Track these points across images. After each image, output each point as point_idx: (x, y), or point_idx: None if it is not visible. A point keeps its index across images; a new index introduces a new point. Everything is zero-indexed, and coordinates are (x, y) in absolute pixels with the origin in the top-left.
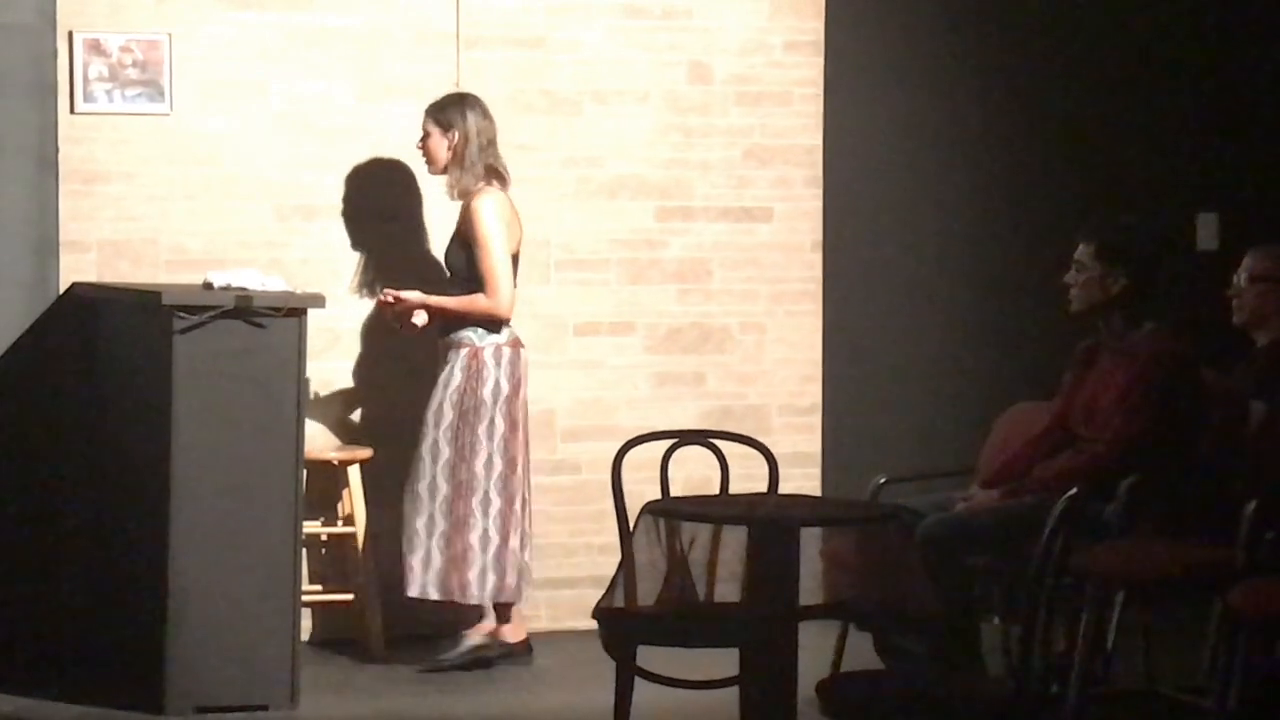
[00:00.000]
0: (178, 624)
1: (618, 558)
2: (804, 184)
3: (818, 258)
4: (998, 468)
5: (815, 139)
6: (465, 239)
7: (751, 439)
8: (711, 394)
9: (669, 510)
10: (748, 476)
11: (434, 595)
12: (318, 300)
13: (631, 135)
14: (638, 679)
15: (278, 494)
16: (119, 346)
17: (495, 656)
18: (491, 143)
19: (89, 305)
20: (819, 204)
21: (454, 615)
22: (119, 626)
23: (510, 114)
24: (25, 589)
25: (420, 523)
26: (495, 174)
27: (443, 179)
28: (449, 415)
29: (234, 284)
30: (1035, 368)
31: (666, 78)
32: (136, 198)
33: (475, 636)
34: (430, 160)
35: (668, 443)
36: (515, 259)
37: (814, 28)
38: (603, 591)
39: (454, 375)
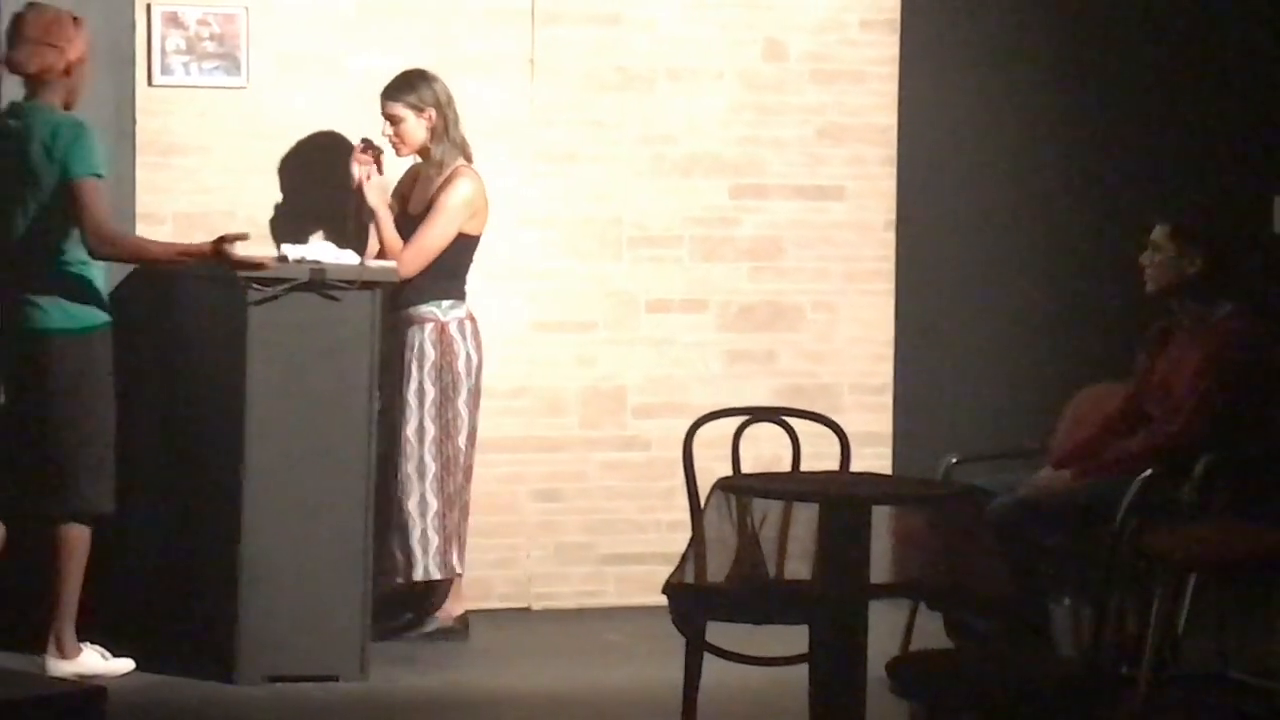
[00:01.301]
0: (250, 594)
1: (687, 534)
2: (878, 163)
3: (891, 236)
4: (1071, 448)
5: (890, 118)
6: (428, 205)
7: (824, 417)
8: (783, 372)
9: (741, 487)
10: (818, 455)
11: (436, 576)
12: (391, 274)
13: (706, 113)
14: (707, 655)
15: (350, 466)
16: (194, 318)
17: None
18: (458, 115)
19: (165, 277)
20: (893, 183)
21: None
22: (192, 596)
23: (585, 91)
24: (99, 559)
25: (412, 504)
26: (465, 150)
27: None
28: (431, 392)
29: (308, 257)
30: (1108, 348)
31: (741, 55)
32: (212, 170)
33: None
34: (404, 144)
35: (739, 420)
36: (476, 241)
37: (890, 5)
38: (672, 568)
39: (426, 351)
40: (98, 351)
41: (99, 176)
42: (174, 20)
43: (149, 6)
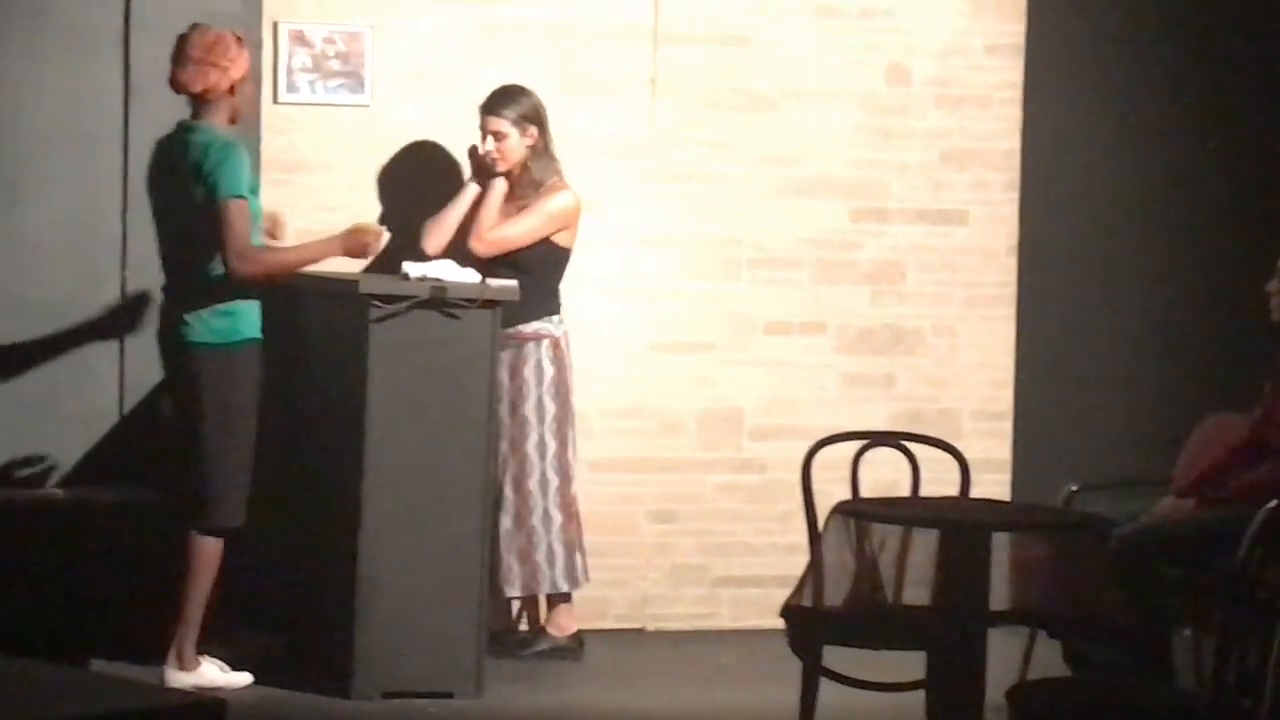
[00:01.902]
0: (367, 610)
1: (802, 557)
2: (1001, 188)
3: (1013, 262)
4: (1195, 477)
5: (1014, 143)
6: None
7: (944, 442)
8: (901, 396)
9: (860, 511)
10: (937, 480)
11: (564, 588)
12: (511, 292)
13: (828, 135)
14: (823, 679)
15: (468, 484)
16: (317, 333)
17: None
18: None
19: (289, 292)
20: (1016, 208)
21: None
22: (310, 611)
23: (707, 111)
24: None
25: (536, 519)
26: (559, 168)
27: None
28: (551, 408)
29: (430, 274)
30: (1233, 377)
31: (865, 78)
32: (336, 188)
33: (555, 630)
34: (504, 160)
35: (857, 444)
36: (568, 255)
37: (1015, 30)
38: (787, 591)
39: (544, 367)
40: (239, 367)
41: (243, 197)
42: (300, 39)
43: (275, 25)
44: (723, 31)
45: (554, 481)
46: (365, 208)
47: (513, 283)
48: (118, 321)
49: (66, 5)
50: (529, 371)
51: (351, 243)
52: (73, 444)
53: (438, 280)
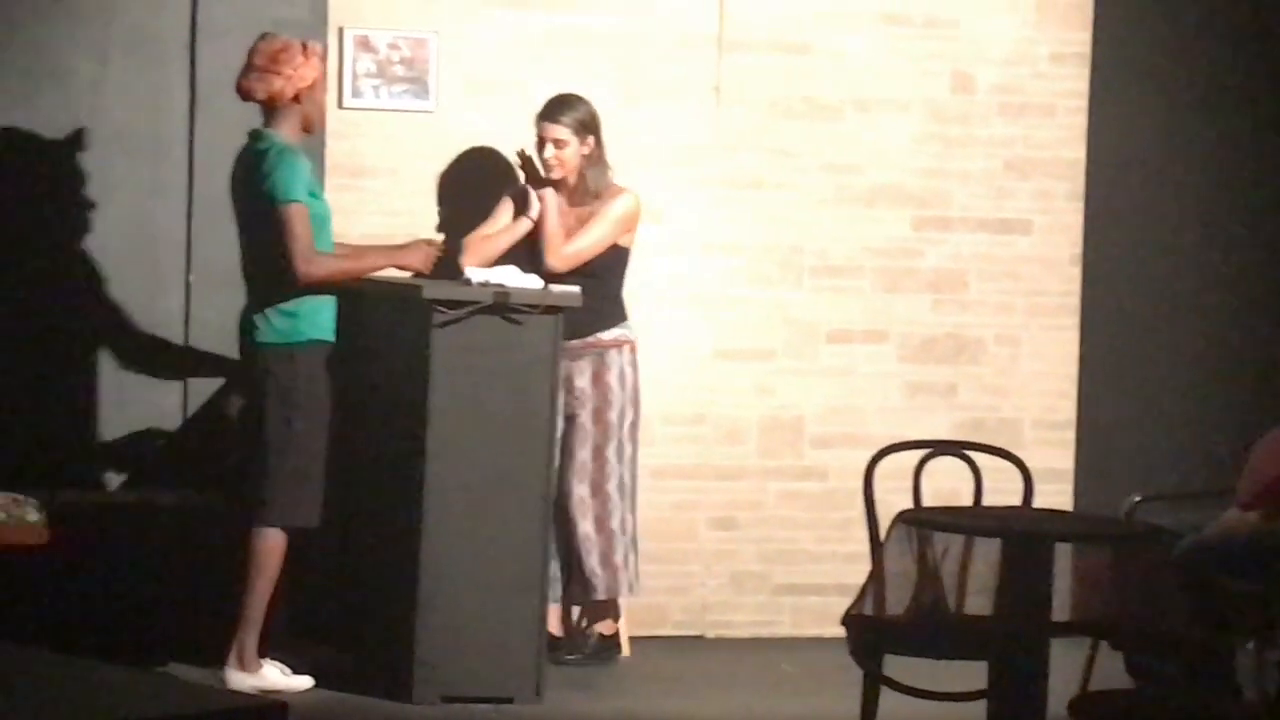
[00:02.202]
0: (428, 614)
1: (863, 566)
2: (1065, 197)
3: (1077, 271)
4: (1258, 490)
5: (1078, 152)
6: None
7: (1007, 452)
8: (963, 405)
9: (923, 520)
10: (998, 490)
11: (635, 592)
12: (574, 298)
13: (891, 143)
14: (884, 688)
15: (529, 489)
16: (380, 338)
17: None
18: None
19: (353, 296)
20: (1080, 218)
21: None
22: (371, 615)
23: (770, 119)
24: (280, 576)
25: (615, 523)
26: (611, 176)
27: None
28: (630, 414)
29: (492, 280)
30: None
31: (929, 87)
32: (399, 193)
33: (602, 627)
34: (562, 166)
35: (918, 453)
36: (629, 255)
37: (1081, 39)
38: (847, 599)
39: (626, 373)
40: (302, 367)
41: (299, 202)
42: (365, 44)
43: (341, 30)
44: (787, 39)
45: (629, 485)
46: (428, 213)
47: (575, 288)
48: (181, 324)
49: (133, 12)
50: (613, 378)
51: (414, 256)
52: (137, 446)
53: (500, 286)
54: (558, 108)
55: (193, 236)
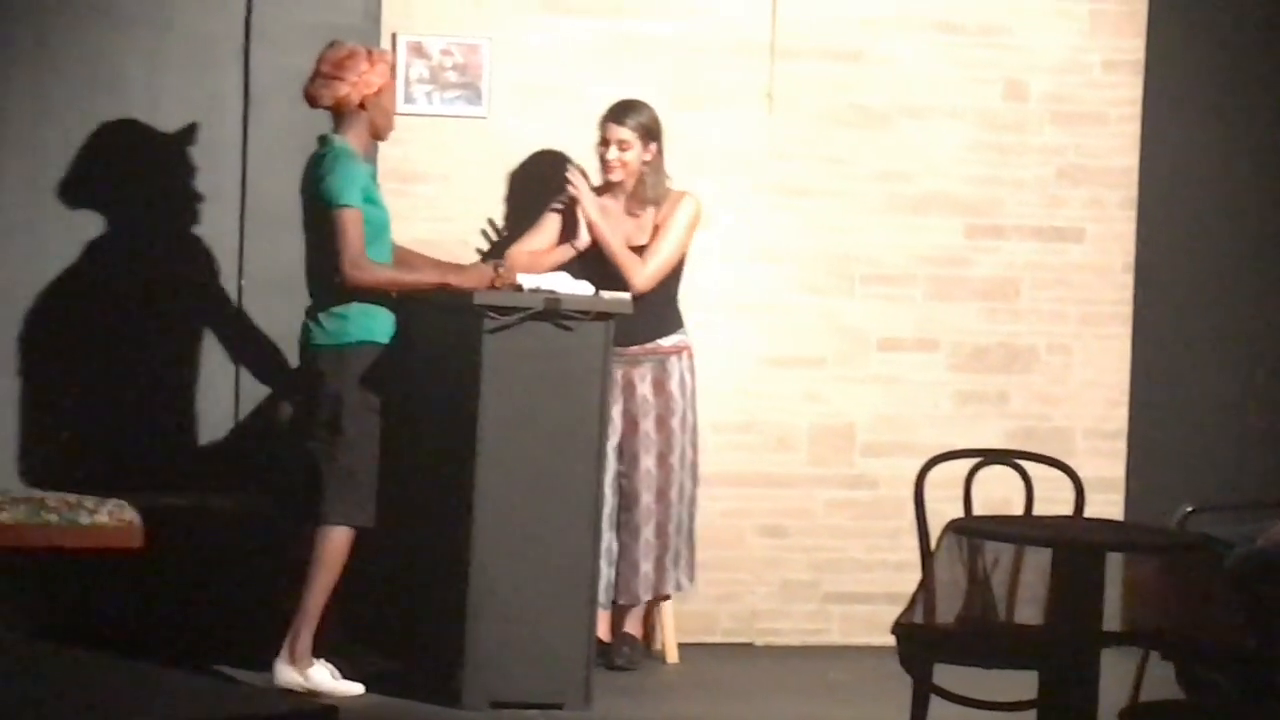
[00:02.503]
0: (477, 620)
1: (913, 574)
2: (1118, 205)
3: (1129, 280)
4: None
5: (1131, 160)
6: (650, 231)
7: (1059, 461)
8: (1015, 414)
9: (973, 529)
10: (1049, 499)
11: (686, 587)
12: (624, 305)
13: (943, 151)
14: (934, 697)
15: (579, 495)
16: (431, 344)
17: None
18: None
19: (405, 301)
20: (1132, 226)
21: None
22: (421, 619)
23: (822, 126)
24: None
25: (673, 527)
26: (669, 183)
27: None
28: (691, 418)
29: (543, 287)
30: None
31: (981, 94)
32: (451, 198)
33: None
34: (622, 170)
35: (969, 461)
36: (684, 259)
37: (1134, 47)
38: (897, 608)
39: (686, 379)
40: (350, 368)
41: (352, 206)
42: (418, 50)
43: (394, 36)
44: (839, 47)
45: (689, 489)
46: (480, 219)
47: (626, 295)
48: (234, 329)
49: (188, 16)
50: (674, 385)
51: (473, 278)
52: (190, 450)
53: (551, 292)
54: (624, 110)
55: (245, 241)
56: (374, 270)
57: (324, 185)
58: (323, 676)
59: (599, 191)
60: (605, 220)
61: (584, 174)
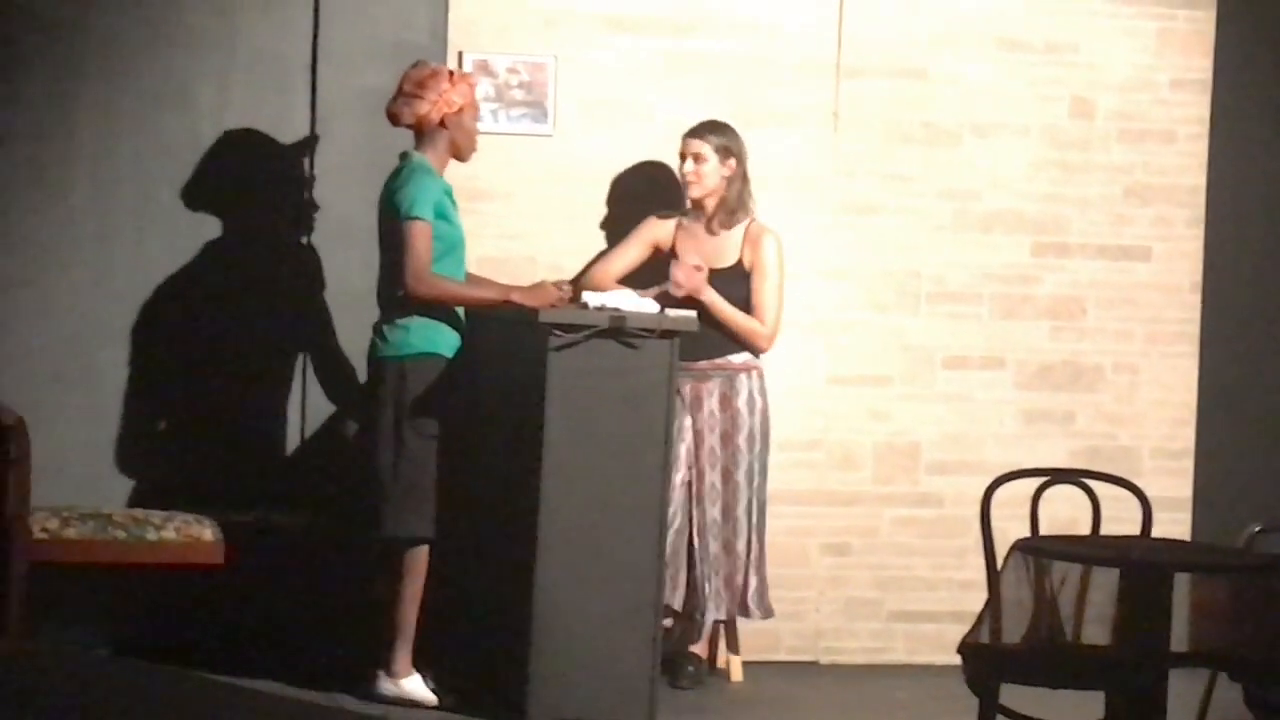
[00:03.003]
0: (543, 636)
1: (979, 593)
2: (1185, 224)
3: (1196, 299)
4: None
5: (1198, 179)
6: (746, 268)
7: (1126, 481)
8: (1081, 433)
9: (1040, 549)
10: (1116, 519)
11: (758, 617)
12: (690, 323)
13: (1009, 169)
14: (1000, 717)
15: (644, 512)
16: (497, 361)
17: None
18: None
19: (471, 319)
20: (1200, 245)
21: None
22: (485, 635)
23: (888, 144)
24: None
25: (740, 546)
26: (753, 207)
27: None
28: (759, 439)
29: (609, 304)
30: None
31: (1048, 112)
32: (517, 216)
33: (696, 648)
34: (699, 183)
35: (1035, 480)
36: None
37: (1202, 65)
38: (963, 627)
39: (755, 398)
40: (413, 380)
41: (423, 220)
42: (484, 68)
43: (460, 54)
44: (904, 65)
45: (757, 509)
46: (545, 237)
47: (691, 313)
48: (301, 346)
49: (255, 36)
50: (742, 402)
51: (538, 298)
52: (256, 467)
53: (616, 310)
54: (703, 126)
55: (312, 258)
56: (436, 283)
57: (396, 197)
58: (414, 685)
59: (682, 213)
60: (689, 241)
61: (700, 267)
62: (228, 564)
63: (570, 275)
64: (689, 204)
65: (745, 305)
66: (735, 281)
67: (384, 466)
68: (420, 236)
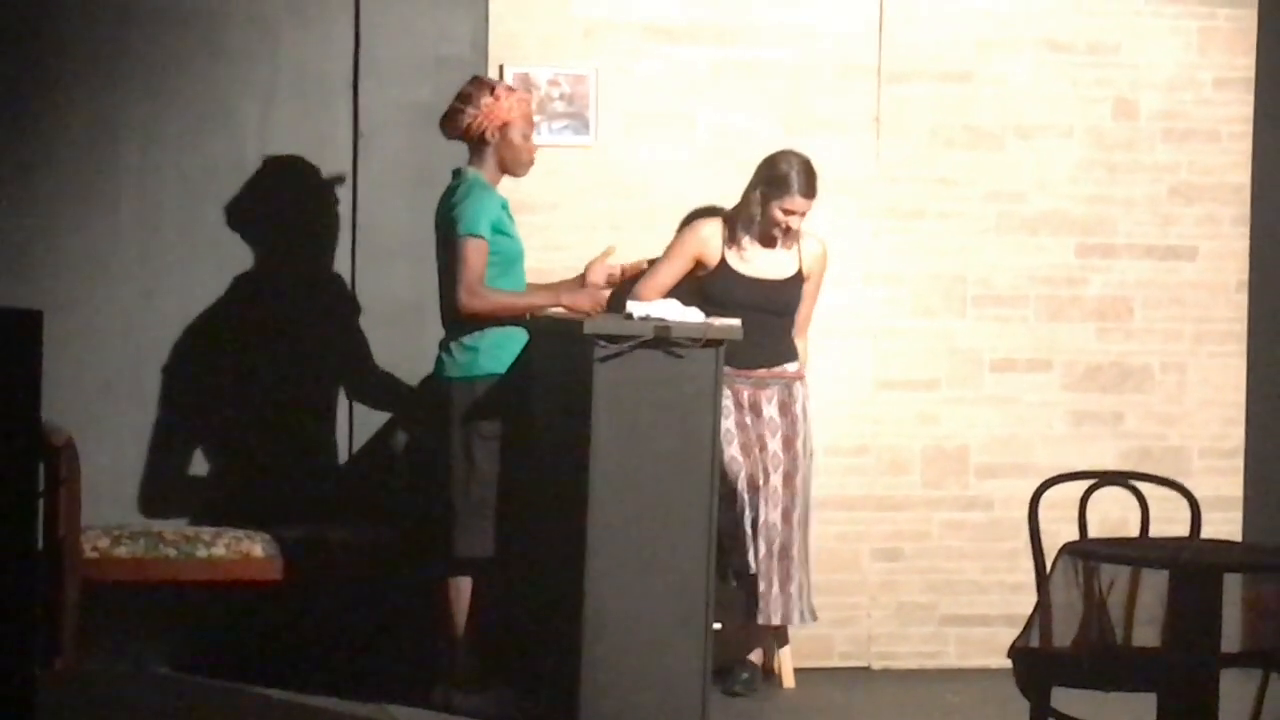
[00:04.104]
0: (594, 645)
1: (1030, 596)
2: (1231, 222)
3: (1243, 298)
4: None
5: (1244, 177)
6: (804, 279)
7: (1174, 482)
8: (1130, 434)
9: (1089, 551)
10: (1166, 519)
11: (809, 620)
12: (735, 331)
13: (1054, 171)
14: None
15: (693, 521)
16: (543, 372)
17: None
18: None
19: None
20: (1245, 243)
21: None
22: (537, 645)
23: (932, 148)
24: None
25: (795, 551)
26: None
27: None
28: (811, 444)
29: (653, 314)
30: None
31: (1091, 113)
32: (561, 228)
33: (753, 656)
34: (796, 234)
35: (1085, 483)
36: None
37: (1245, 64)
38: (1014, 630)
39: (808, 406)
40: (484, 401)
41: (479, 236)
42: (526, 81)
43: (501, 67)
44: (947, 68)
45: (806, 516)
46: (590, 248)
47: (736, 321)
48: (346, 361)
49: (297, 51)
50: (799, 409)
51: (584, 299)
52: (305, 482)
53: (661, 320)
54: (812, 181)
55: (357, 274)
56: (488, 296)
57: (454, 214)
58: (474, 698)
59: (739, 232)
60: (740, 253)
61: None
62: (282, 580)
63: (613, 287)
64: (776, 235)
65: (792, 308)
66: (795, 291)
67: (456, 488)
68: (475, 252)
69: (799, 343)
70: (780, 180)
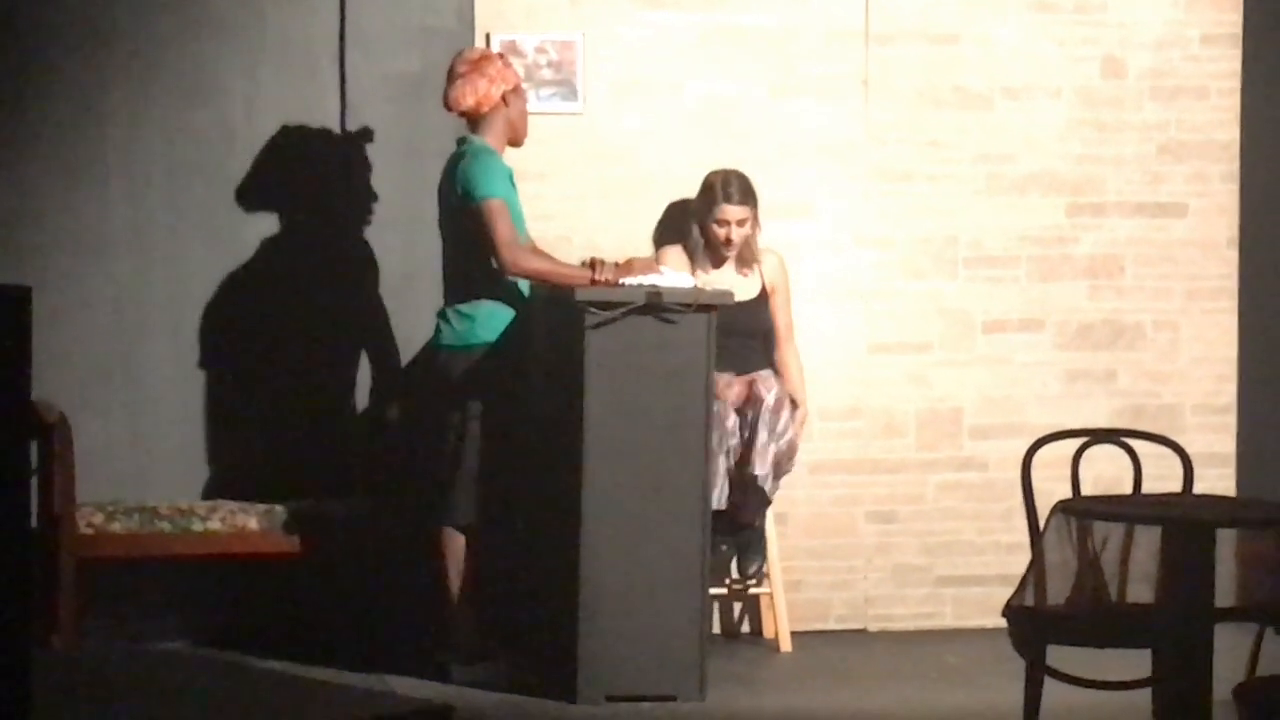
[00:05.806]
0: (590, 613)
1: (1025, 556)
2: (1220, 179)
3: (1234, 254)
4: None
5: (1232, 134)
6: (769, 295)
7: (1166, 439)
8: (1123, 392)
9: (1082, 509)
10: (1159, 477)
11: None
12: (727, 296)
13: (1043, 130)
14: (1048, 679)
15: (687, 487)
16: (535, 341)
17: None
18: None
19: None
20: (1236, 200)
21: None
22: (534, 615)
23: (920, 110)
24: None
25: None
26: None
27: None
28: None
29: (645, 281)
30: None
31: (1079, 72)
32: (550, 196)
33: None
34: (737, 244)
35: (1077, 441)
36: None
37: (1232, 20)
38: (1010, 590)
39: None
40: (478, 369)
41: (499, 197)
42: (513, 48)
43: (488, 35)
44: (934, 30)
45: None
46: (580, 215)
47: (728, 288)
48: (336, 333)
49: (282, 22)
50: (767, 393)
51: (609, 272)
52: (297, 457)
53: (653, 286)
54: (737, 189)
55: (346, 245)
56: (531, 258)
57: (468, 180)
58: (470, 668)
59: (695, 262)
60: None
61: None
62: (278, 553)
63: (606, 253)
64: (725, 256)
65: (771, 328)
66: (762, 310)
67: (449, 455)
68: (501, 214)
69: (788, 351)
70: (707, 192)
